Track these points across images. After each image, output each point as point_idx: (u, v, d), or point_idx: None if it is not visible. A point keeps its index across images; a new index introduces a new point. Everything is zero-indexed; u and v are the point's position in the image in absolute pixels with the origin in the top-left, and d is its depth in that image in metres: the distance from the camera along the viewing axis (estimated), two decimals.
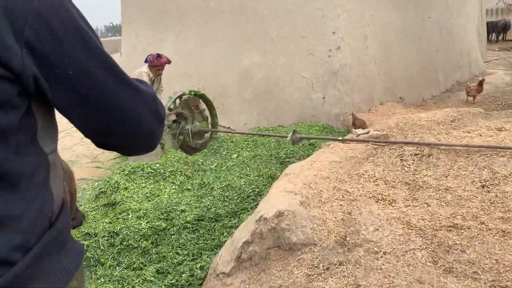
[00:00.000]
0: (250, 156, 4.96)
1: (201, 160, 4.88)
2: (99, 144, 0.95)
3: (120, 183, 4.16)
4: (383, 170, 3.65)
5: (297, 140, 4.43)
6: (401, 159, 3.80)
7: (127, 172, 4.25)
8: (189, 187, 4.28)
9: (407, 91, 7.72)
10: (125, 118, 0.85)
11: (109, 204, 4.07)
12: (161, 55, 6.01)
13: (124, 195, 4.05)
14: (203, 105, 5.81)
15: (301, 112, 6.71)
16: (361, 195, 3.24)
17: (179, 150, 5.10)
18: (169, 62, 6.02)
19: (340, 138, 4.16)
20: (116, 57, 8.02)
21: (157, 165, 4.38)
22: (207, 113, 5.88)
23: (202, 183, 4.22)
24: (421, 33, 8.28)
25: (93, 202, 4.23)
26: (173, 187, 4.27)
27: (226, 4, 7.51)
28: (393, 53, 7.39)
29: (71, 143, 7.64)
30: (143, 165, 4.34)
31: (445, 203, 3.09)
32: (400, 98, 7.54)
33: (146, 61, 6.06)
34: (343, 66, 6.35)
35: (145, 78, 5.91)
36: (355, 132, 4.31)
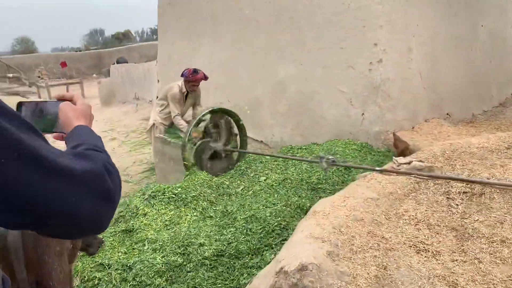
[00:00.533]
0: (279, 179, 4.61)
1: (226, 183, 4.58)
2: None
3: (139, 208, 3.92)
4: (426, 210, 3.21)
5: (330, 166, 4.05)
6: (447, 197, 3.35)
7: (146, 197, 4.01)
8: (211, 214, 3.98)
9: (455, 107, 7.12)
10: (54, 212, 0.77)
11: (127, 231, 3.84)
12: (198, 70, 5.77)
13: (142, 222, 3.81)
14: (232, 123, 5.53)
15: (337, 128, 6.29)
16: (400, 242, 2.81)
17: (203, 171, 4.83)
18: (205, 78, 5.78)
19: (378, 169, 3.74)
20: (152, 64, 7.89)
21: (179, 189, 4.12)
22: (236, 130, 5.59)
23: (225, 211, 3.91)
24: (473, 43, 7.64)
25: (112, 227, 4.01)
26: (195, 213, 3.99)
27: (261, 13, 7.20)
28: (441, 66, 6.82)
29: None
30: (164, 188, 4.09)
31: (501, 260, 2.62)
32: (447, 114, 6.95)
33: (182, 75, 5.84)
34: (385, 81, 5.88)
35: (176, 91, 5.69)
36: (396, 161, 3.87)
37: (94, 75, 21.99)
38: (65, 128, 1.08)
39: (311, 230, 2.73)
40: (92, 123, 1.16)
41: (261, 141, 7.35)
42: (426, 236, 2.80)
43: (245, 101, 7.65)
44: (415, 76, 6.35)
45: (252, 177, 4.76)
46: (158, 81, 9.87)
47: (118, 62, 12.28)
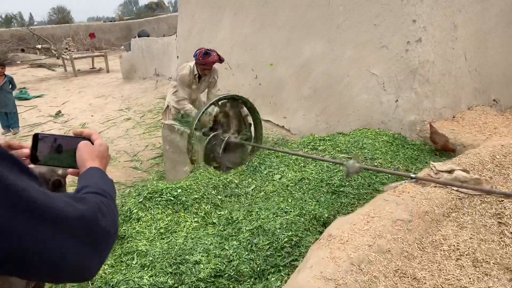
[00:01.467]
0: (296, 179, 4.04)
1: (235, 181, 4.04)
2: None
3: (133, 212, 3.45)
4: (470, 239, 2.59)
5: (355, 172, 3.44)
6: (498, 221, 2.71)
7: (141, 199, 3.52)
8: (214, 221, 3.47)
9: (504, 92, 6.29)
10: (39, 261, 0.75)
11: (119, 237, 3.39)
12: (211, 52, 5.11)
13: (134, 228, 3.34)
14: (245, 111, 4.94)
15: (367, 116, 5.61)
16: (436, 286, 2.22)
17: (211, 167, 4.31)
18: (220, 60, 5.13)
19: (412, 176, 3.11)
20: (172, 39, 7.31)
21: (179, 190, 3.61)
22: (250, 119, 5.01)
23: (230, 217, 3.39)
24: None
25: None
26: (195, 219, 3.49)
27: None
28: (489, 45, 5.97)
29: (115, 135, 7.17)
30: (162, 189, 3.59)
31: None
32: (494, 100, 6.13)
33: (194, 55, 5.23)
34: (424, 63, 5.13)
35: (185, 73, 5.14)
36: (433, 167, 3.22)
37: (122, 46, 21.64)
38: (80, 167, 1.11)
39: (323, 267, 2.17)
40: (107, 163, 1.20)
41: (283, 126, 6.75)
42: (471, 278, 2.19)
43: (267, 82, 7.03)
44: (459, 57, 5.55)
45: (266, 174, 4.21)
46: (178, 57, 9.33)
47: (139, 36, 11.78)
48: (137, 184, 5.32)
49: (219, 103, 4.52)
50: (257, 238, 3.06)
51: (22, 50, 22.31)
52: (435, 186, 2.96)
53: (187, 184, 3.72)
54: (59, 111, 8.79)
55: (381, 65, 5.40)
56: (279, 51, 6.80)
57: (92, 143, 1.18)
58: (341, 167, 3.98)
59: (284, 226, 3.14)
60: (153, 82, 10.30)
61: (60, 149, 1.17)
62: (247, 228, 3.17)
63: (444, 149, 4.76)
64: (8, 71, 16.91)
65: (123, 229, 3.39)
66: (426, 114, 5.25)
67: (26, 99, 10.56)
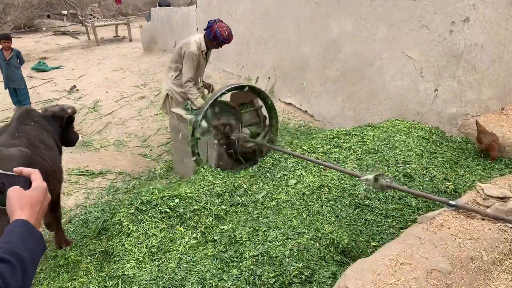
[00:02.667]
0: (314, 185, 3.50)
1: (244, 186, 3.54)
2: None
3: (123, 224, 3.01)
4: None
5: (380, 189, 2.87)
6: None
7: (133, 210, 3.07)
8: (215, 237, 3.00)
9: None
10: None
11: (107, 253, 2.98)
12: (220, 25, 4.46)
13: (124, 245, 2.91)
14: (259, 101, 4.37)
15: (401, 105, 4.95)
16: None
17: (216, 168, 3.82)
18: (227, 39, 4.48)
19: (452, 203, 2.53)
20: (191, 10, 6.65)
21: (176, 199, 3.13)
22: (264, 111, 4.44)
23: (233, 236, 2.91)
24: None
25: (95, 241, 3.18)
26: (194, 235, 3.02)
27: None
28: None
29: (127, 115, 6.75)
30: (157, 198, 3.12)
31: None
32: None
33: (209, 29, 4.57)
34: (471, 47, 4.39)
35: (194, 49, 4.56)
36: (481, 189, 2.63)
37: (143, 15, 21.06)
38: (9, 217, 1.07)
39: None
40: (44, 209, 1.13)
41: (306, 111, 6.15)
42: None
43: (289, 62, 6.39)
44: None
45: (279, 178, 3.68)
46: (197, 29, 8.73)
47: (160, 5, 11.19)
48: (143, 175, 4.90)
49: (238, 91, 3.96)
50: (262, 268, 2.58)
51: (48, 16, 22.04)
52: (483, 219, 2.38)
53: (187, 192, 3.24)
54: (74, 86, 8.44)
55: (419, 48, 4.69)
56: (303, 27, 6.12)
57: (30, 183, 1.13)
58: (368, 171, 3.41)
59: (295, 253, 2.64)
60: None
61: (3, 188, 1.11)
62: (251, 254, 2.68)
63: (488, 150, 4.10)
64: (32, 38, 16.73)
65: (112, 244, 2.97)
66: (469, 106, 4.56)
67: (44, 70, 10.25)
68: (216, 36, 4.46)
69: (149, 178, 4.87)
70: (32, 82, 8.95)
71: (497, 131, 4.30)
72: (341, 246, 2.75)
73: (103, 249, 3.01)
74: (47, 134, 3.10)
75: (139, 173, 5.03)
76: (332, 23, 5.66)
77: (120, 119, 6.64)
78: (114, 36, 16.28)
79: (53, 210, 3.34)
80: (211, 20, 4.56)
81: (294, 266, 2.55)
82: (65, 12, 21.89)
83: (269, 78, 6.74)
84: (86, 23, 16.22)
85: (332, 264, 2.65)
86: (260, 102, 4.15)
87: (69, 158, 5.40)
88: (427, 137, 4.45)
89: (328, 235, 2.80)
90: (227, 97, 4.36)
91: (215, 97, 3.76)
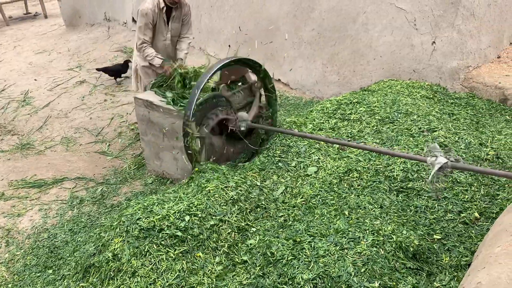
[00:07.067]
0: (340, 171, 2.93)
1: (257, 183, 2.88)
2: None
3: (123, 262, 2.26)
4: None
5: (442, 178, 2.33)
6: None
7: (130, 240, 2.30)
8: (244, 258, 2.35)
9: None
10: None
11: None
12: None
13: None
14: (253, 77, 3.65)
15: (394, 64, 4.46)
16: None
17: (209, 161, 3.10)
18: None
19: None
20: None
21: (187, 218, 2.41)
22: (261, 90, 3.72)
23: (269, 254, 2.27)
24: None
25: (82, 282, 2.39)
26: (217, 259, 2.35)
27: None
28: None
29: (69, 106, 5.69)
30: (161, 218, 2.37)
31: None
32: None
33: None
34: None
35: (147, 7, 3.79)
36: None
37: None
38: None
39: None
40: None
41: (279, 80, 5.50)
42: None
43: (253, 24, 5.64)
44: None
45: (295, 167, 3.05)
46: None
47: None
48: (109, 178, 4.05)
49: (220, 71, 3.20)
50: None
51: None
52: None
53: (197, 203, 2.52)
54: None
55: None
56: None
57: None
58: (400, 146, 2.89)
59: (362, 269, 2.07)
60: (104, 29, 8.59)
61: None
62: (305, 277, 2.07)
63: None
64: None
65: None
66: (471, 57, 4.17)
67: None
68: None
69: (118, 181, 4.04)
70: None
71: (506, 81, 3.96)
72: (411, 249, 2.22)
73: None
74: None
75: (104, 176, 4.17)
76: None
77: (61, 111, 5.58)
78: (24, 14, 14.31)
79: None
80: None
81: (368, 287, 1.99)
82: None
83: (229, 46, 5.96)
84: None
85: (407, 274, 2.12)
86: (253, 77, 3.43)
87: (8, 167, 4.40)
88: (430, 96, 4.02)
89: (392, 237, 2.26)
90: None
91: (215, 68, 2.96)
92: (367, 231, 2.32)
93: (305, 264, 2.16)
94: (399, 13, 4.29)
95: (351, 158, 3.05)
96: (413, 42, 4.28)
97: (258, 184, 2.89)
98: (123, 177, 4.10)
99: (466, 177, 2.74)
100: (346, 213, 2.55)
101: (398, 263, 2.16)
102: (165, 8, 3.93)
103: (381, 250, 2.19)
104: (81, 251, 2.66)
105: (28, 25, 11.74)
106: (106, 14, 8.61)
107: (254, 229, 2.56)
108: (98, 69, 6.24)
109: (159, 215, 2.42)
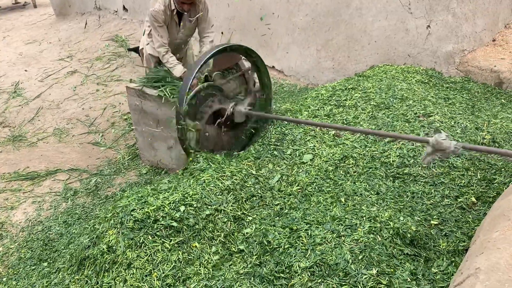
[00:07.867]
0: (336, 158, 2.91)
1: (253, 172, 2.85)
2: None
3: (118, 254, 2.24)
4: None
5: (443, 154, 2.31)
6: None
7: (125, 232, 2.27)
8: (241, 247, 2.33)
9: None
10: None
11: None
12: None
13: (126, 281, 2.15)
14: (246, 64, 3.60)
15: (388, 48, 4.42)
16: None
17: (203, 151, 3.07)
18: None
19: None
20: None
21: (182, 208, 2.39)
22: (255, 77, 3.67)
23: (265, 242, 2.26)
24: None
25: (77, 275, 2.37)
26: (213, 249, 2.33)
27: None
28: None
29: (61, 96, 5.62)
30: (156, 209, 2.35)
31: None
32: None
33: None
34: None
35: (158, 9, 3.64)
36: None
37: None
38: None
39: None
40: None
41: (273, 67, 5.45)
42: None
43: (246, 11, 5.56)
44: None
45: (290, 155, 3.03)
46: None
47: None
48: (103, 169, 4.02)
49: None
50: (324, 284, 1.97)
51: None
52: None
53: (192, 193, 2.49)
54: None
55: None
56: None
57: None
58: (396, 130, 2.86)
59: (359, 256, 2.06)
60: (94, 18, 8.45)
61: None
62: (303, 266, 2.06)
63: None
64: None
65: (107, 283, 2.20)
66: (466, 41, 4.13)
67: None
68: None
69: (112, 172, 4.00)
70: None
71: (501, 65, 3.94)
72: (408, 235, 2.20)
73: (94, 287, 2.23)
74: None
75: (97, 167, 4.13)
76: None
77: (53, 102, 5.51)
78: (13, 3, 14.08)
79: None
80: None
81: (366, 274, 1.98)
82: None
83: (222, 33, 5.88)
84: None
85: (404, 260, 2.11)
86: (247, 64, 3.38)
87: (0, 159, 4.34)
88: (426, 80, 3.99)
89: (389, 224, 2.25)
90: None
91: (202, 61, 2.91)
92: (364, 218, 2.31)
93: (302, 252, 2.14)
94: None
95: (347, 145, 3.03)
96: (408, 26, 4.23)
97: (254, 173, 2.86)
98: (117, 167, 4.07)
99: (463, 161, 2.73)
100: (343, 200, 2.54)
101: (395, 249, 2.15)
102: (175, 10, 3.74)
103: (378, 236, 2.18)
104: (75, 243, 2.63)
105: (17, 15, 11.55)
106: (97, 2, 8.48)
107: (250, 218, 2.54)
108: (129, 49, 5.91)
109: (153, 205, 2.39)
